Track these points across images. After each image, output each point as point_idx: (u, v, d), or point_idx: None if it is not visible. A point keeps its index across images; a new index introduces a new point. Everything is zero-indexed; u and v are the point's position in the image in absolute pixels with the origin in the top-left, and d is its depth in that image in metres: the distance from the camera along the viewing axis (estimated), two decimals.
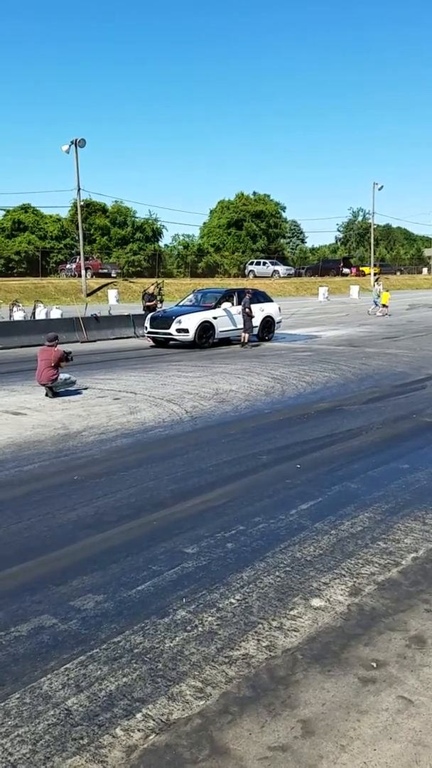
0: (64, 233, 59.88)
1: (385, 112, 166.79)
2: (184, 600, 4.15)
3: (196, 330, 18.13)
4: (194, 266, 59.49)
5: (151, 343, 19.53)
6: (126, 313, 23.55)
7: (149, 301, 22.71)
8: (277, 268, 59.10)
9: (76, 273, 45.93)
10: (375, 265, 64.03)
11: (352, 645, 3.65)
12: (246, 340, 18.74)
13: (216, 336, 18.74)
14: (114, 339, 21.46)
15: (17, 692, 3.25)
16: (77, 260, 46.00)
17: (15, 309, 24.08)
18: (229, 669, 3.43)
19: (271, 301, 21.35)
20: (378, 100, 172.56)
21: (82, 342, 19.99)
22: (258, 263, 60.51)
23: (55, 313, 23.53)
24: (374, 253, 67.05)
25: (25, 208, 59.45)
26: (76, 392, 11.32)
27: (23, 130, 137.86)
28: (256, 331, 19.47)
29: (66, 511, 5.74)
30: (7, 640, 3.73)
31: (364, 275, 62.45)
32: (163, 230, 64.66)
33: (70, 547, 5.02)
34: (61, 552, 4.92)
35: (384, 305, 30.30)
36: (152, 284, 25.22)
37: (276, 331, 20.86)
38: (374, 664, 3.46)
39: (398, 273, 73.11)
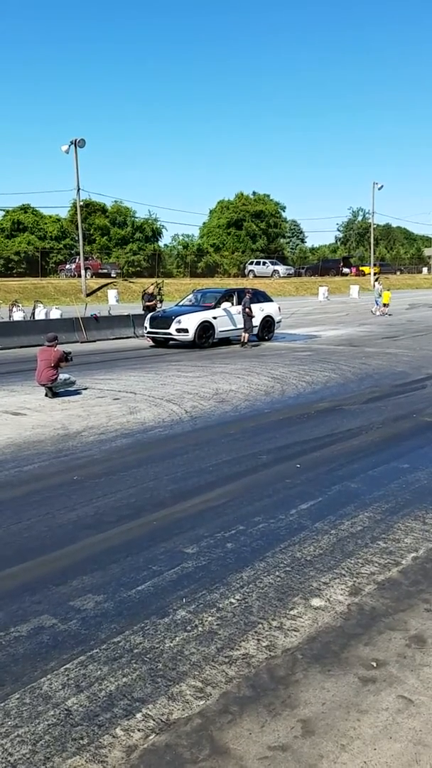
0: (63, 233, 59.90)
1: (385, 112, 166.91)
2: (184, 600, 4.15)
3: (196, 330, 18.13)
4: (194, 266, 59.50)
5: (151, 343, 19.53)
6: (126, 313, 23.55)
7: (149, 301, 22.70)
8: (276, 267, 59.10)
9: (75, 273, 45.95)
10: (375, 265, 64.00)
11: (352, 645, 3.65)
12: (246, 340, 18.74)
13: (216, 336, 18.73)
14: (114, 339, 21.45)
15: (17, 692, 3.25)
16: (77, 260, 46.02)
17: (15, 309, 24.08)
18: (229, 669, 3.43)
19: (271, 300, 21.35)
20: (378, 100, 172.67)
21: (81, 342, 19.99)
22: (258, 263, 60.51)
23: (55, 314, 23.54)
24: (374, 253, 67.04)
25: (25, 209, 59.46)
26: (76, 392, 11.32)
27: (23, 130, 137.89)
28: (255, 330, 19.47)
29: (66, 512, 5.74)
30: (7, 641, 3.73)
31: (364, 275, 62.44)
32: (163, 230, 64.82)
33: (70, 547, 5.01)
34: (61, 552, 4.92)
35: (385, 304, 30.32)
36: (152, 284, 25.21)
37: (276, 331, 20.86)
38: (374, 664, 3.46)
39: (398, 272, 73.10)
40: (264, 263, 60.10)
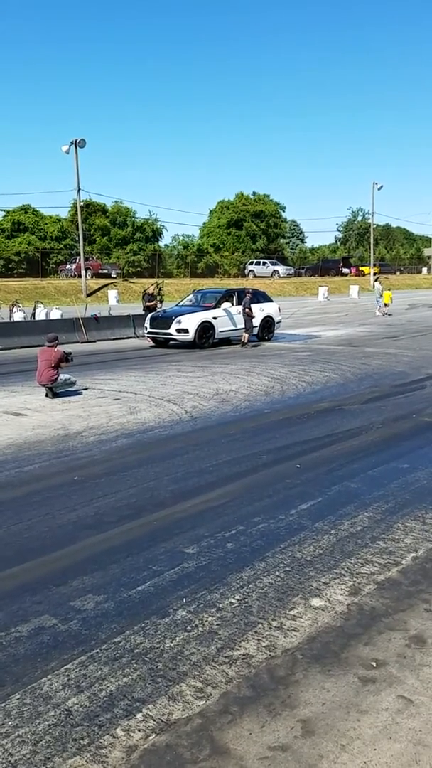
0: (64, 234, 59.88)
1: (385, 112, 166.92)
2: (184, 600, 4.16)
3: (196, 330, 18.13)
4: (194, 266, 59.49)
5: (151, 343, 19.53)
6: (126, 314, 23.56)
7: (149, 302, 22.71)
8: (276, 268, 59.09)
9: (76, 273, 45.95)
10: (375, 265, 64.03)
11: (352, 645, 3.65)
12: (246, 340, 18.74)
13: (216, 336, 18.74)
14: (114, 339, 21.45)
15: (18, 693, 3.26)
16: (77, 261, 46.02)
17: (15, 309, 24.11)
18: (229, 669, 3.44)
19: (271, 301, 21.35)
20: (378, 100, 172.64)
21: (82, 342, 20.00)
22: (258, 263, 60.50)
23: (55, 314, 23.54)
24: (374, 253, 67.05)
25: (25, 209, 59.47)
26: (76, 393, 11.33)
27: (23, 130, 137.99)
28: (256, 331, 19.48)
29: (66, 512, 5.74)
30: (8, 641, 3.73)
31: (364, 275, 62.46)
32: (163, 230, 64.72)
33: (70, 547, 5.02)
34: (61, 552, 4.93)
35: (386, 304, 30.33)
36: (152, 284, 25.21)
37: (276, 331, 20.86)
38: (374, 664, 3.46)
39: (398, 273, 73.12)
40: (264, 263, 60.09)
